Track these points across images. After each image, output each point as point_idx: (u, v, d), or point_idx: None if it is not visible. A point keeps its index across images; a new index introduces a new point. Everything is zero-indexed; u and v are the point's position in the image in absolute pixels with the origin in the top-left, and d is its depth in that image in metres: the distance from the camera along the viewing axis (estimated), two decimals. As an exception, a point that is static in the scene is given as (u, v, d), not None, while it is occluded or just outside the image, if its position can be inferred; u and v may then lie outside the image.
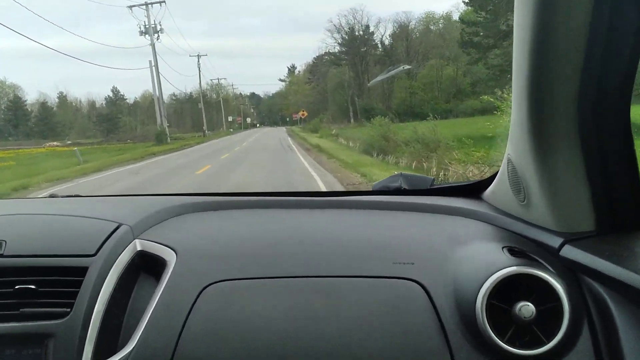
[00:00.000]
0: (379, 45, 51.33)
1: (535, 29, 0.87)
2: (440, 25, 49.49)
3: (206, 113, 76.76)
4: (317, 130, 40.10)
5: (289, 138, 34.21)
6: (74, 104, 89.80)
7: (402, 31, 48.51)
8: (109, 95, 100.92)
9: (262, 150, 22.75)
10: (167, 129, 33.58)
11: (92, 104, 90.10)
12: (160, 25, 35.43)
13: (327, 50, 58.64)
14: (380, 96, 46.50)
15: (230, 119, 73.60)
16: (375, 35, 53.92)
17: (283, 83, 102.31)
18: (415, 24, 49.24)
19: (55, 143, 46.34)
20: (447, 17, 47.55)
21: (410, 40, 48.46)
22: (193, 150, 25.30)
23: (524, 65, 0.93)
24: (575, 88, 0.91)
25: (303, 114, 46.20)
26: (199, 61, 53.44)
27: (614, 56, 0.87)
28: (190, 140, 39.86)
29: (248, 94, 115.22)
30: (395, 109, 47.40)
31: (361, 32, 50.89)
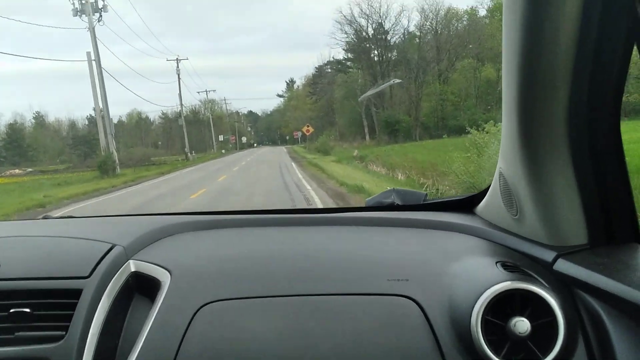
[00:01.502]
0: (403, 37, 41.26)
1: (524, 42, 0.87)
2: (465, 22, 39.85)
3: (197, 132, 67.76)
4: (327, 150, 32.95)
5: (293, 163, 25.95)
6: (54, 126, 79.69)
7: (429, 21, 38.82)
8: (90, 115, 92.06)
9: (255, 183, 15.13)
10: (115, 154, 23.89)
11: (72, 125, 79.82)
12: (102, 0, 25.59)
13: (332, 57, 51.73)
14: (404, 106, 36.67)
15: (221, 138, 63.68)
16: (397, 27, 43.86)
17: (281, 99, 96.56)
18: (436, 21, 39.47)
19: (16, 171, 41.00)
20: (472, 12, 37.83)
21: (439, 34, 38.55)
22: (145, 188, 17.36)
23: (514, 78, 0.93)
24: (565, 101, 0.91)
25: (308, 130, 36.59)
26: (177, 66, 43.86)
27: (604, 68, 0.87)
28: (164, 167, 32.54)
29: (245, 112, 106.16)
30: (424, 121, 36.03)
31: (380, 22, 40.84)
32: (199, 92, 58.46)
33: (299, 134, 66.93)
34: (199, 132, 69.71)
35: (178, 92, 43.97)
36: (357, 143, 40.49)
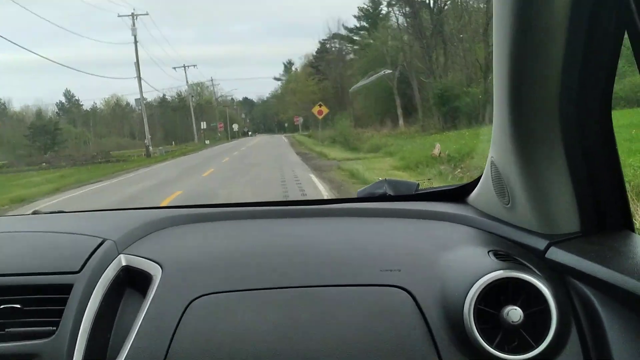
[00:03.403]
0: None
1: (514, 30, 0.90)
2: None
3: (183, 119, 55.50)
4: (349, 140, 24.06)
5: (312, 174, 13.86)
6: (19, 115, 67.37)
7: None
8: (60, 101, 79.46)
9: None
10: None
11: (38, 114, 67.26)
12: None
13: (342, 25, 46.66)
14: (462, 74, 23.86)
15: (203, 125, 51.25)
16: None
17: (279, 82, 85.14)
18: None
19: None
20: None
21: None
22: None
23: (504, 67, 0.97)
24: (556, 89, 0.95)
25: (321, 112, 24.66)
26: (133, 24, 31.50)
27: (595, 56, 0.91)
28: (105, 168, 24.49)
29: (240, 99, 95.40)
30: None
31: None
32: (175, 68, 46.21)
33: (300, 119, 63.52)
34: (186, 120, 57.38)
35: (135, 60, 31.17)
36: (387, 129, 27.20)
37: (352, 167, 13.11)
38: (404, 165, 13.04)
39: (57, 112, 78.49)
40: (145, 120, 34.44)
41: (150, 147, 32.93)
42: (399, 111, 29.73)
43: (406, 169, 12.48)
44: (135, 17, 31.94)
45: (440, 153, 12.57)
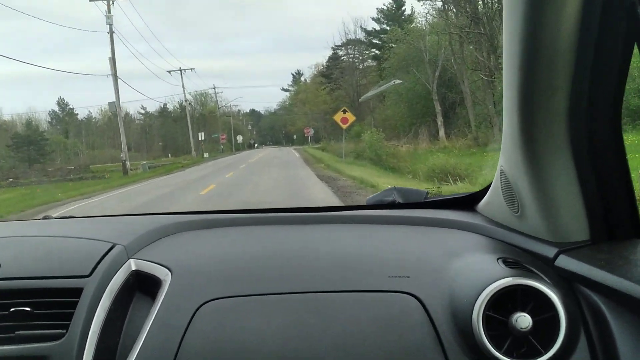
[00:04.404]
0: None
1: (524, 41, 0.94)
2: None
3: (184, 130, 49.75)
4: (382, 159, 18.02)
5: None
6: (7, 123, 62.43)
7: None
8: (53, 110, 74.19)
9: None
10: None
11: (28, 123, 62.01)
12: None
13: (360, 26, 44.42)
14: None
15: (201, 136, 45.21)
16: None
17: (287, 93, 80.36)
18: None
19: None
20: None
21: None
22: None
23: (514, 76, 1.00)
24: (566, 99, 0.98)
25: (346, 120, 18.32)
26: (109, 10, 25.50)
27: (604, 66, 0.94)
28: (76, 188, 19.78)
29: (247, 111, 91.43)
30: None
31: None
32: (170, 72, 40.23)
33: (311, 131, 55.57)
34: (187, 131, 51.70)
35: (110, 54, 25.10)
36: (426, 143, 21.03)
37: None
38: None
39: (49, 122, 73.62)
40: (121, 129, 27.95)
41: (128, 163, 26.96)
42: (439, 120, 24.01)
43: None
44: (111, 3, 26.30)
45: None
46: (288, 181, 15.83)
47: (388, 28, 38.94)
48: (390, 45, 31.51)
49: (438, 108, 24.28)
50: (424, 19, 28.75)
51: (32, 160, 48.57)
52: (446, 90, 25.00)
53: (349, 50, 48.86)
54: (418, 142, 23.09)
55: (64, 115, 74.89)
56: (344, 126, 21.04)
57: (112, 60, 26.72)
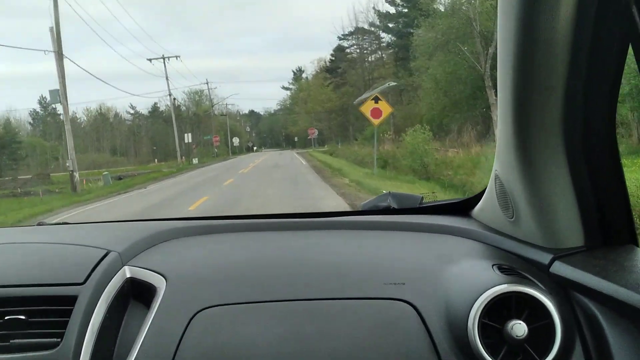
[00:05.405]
0: None
1: (519, 44, 0.95)
2: None
3: (177, 131, 43.85)
4: (428, 169, 13.83)
5: None
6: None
7: None
8: (34, 109, 68.18)
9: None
10: None
11: (7, 125, 56.75)
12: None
13: (373, 7, 42.55)
14: None
15: (187, 138, 39.49)
16: None
17: (287, 92, 75.05)
18: None
19: None
20: None
21: None
22: None
23: (509, 80, 1.02)
24: (560, 103, 1.00)
25: (379, 113, 12.06)
26: None
27: (599, 70, 0.97)
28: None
29: (246, 112, 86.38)
30: None
31: None
32: (150, 60, 34.34)
33: (316, 132, 49.17)
34: (180, 132, 45.93)
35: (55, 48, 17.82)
36: (477, 146, 13.67)
37: None
38: None
39: (30, 122, 67.95)
40: (67, 130, 20.34)
41: (77, 175, 19.71)
42: (495, 114, 17.71)
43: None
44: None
45: None
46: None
47: (406, 10, 33.43)
48: (415, 25, 25.79)
49: (493, 98, 17.97)
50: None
51: (2, 166, 42.82)
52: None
53: (358, 38, 44.36)
54: (464, 145, 17.32)
55: (46, 115, 69.49)
56: (376, 121, 15.09)
57: (56, 31, 18.71)
